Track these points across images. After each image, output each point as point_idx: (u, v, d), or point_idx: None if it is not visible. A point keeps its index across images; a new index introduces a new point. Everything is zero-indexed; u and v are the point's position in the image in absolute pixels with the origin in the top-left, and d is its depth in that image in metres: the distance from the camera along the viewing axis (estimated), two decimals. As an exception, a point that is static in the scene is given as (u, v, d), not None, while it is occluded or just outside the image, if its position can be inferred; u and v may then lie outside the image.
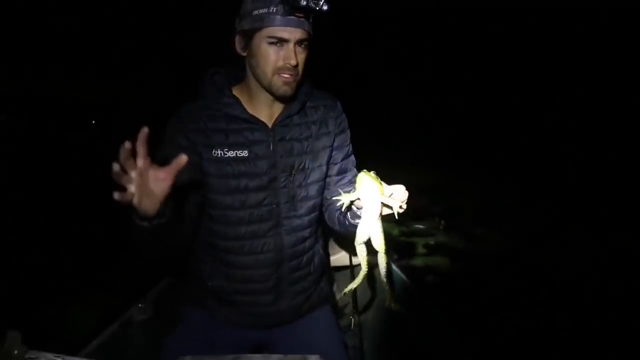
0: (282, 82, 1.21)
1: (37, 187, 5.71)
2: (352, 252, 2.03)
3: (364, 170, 1.03)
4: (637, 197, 5.44)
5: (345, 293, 1.14)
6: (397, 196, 1.04)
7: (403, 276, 1.85)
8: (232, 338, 1.37)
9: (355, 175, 1.45)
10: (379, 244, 1.05)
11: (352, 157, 1.47)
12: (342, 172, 1.44)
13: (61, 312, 2.76)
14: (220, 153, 1.25)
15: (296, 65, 1.20)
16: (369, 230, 1.04)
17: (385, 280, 1.10)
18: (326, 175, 1.41)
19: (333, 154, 1.41)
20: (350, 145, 1.46)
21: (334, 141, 1.40)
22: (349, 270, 2.03)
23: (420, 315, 1.70)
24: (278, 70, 1.20)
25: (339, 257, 2.01)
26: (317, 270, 1.46)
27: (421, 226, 4.88)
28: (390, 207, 1.01)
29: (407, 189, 1.06)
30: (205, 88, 1.30)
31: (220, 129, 1.26)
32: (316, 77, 1.41)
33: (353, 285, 1.13)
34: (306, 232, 1.38)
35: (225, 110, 1.27)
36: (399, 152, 8.95)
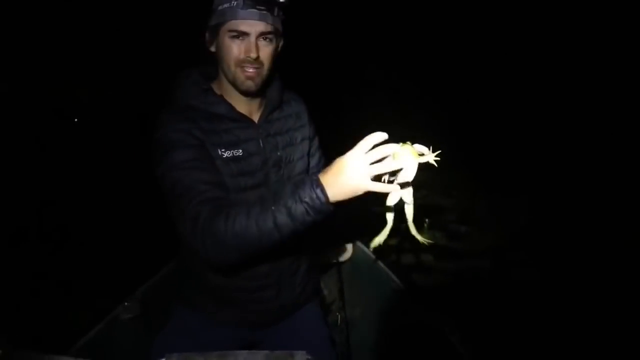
0: (245, 76, 1.21)
1: (19, 186, 5.61)
2: (337, 248, 2.05)
3: (401, 143, 1.05)
4: (622, 194, 5.57)
5: (372, 247, 1.15)
6: (426, 153, 1.07)
7: (390, 273, 1.88)
8: (220, 337, 1.38)
9: (322, 157, 1.49)
10: (410, 199, 1.11)
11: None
12: (319, 160, 1.49)
13: (47, 311, 2.72)
14: (219, 153, 1.24)
15: (257, 58, 1.19)
16: (405, 192, 1.09)
17: (412, 223, 1.16)
18: (308, 166, 1.44)
19: (311, 144, 1.46)
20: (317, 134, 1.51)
21: (309, 134, 1.45)
22: (334, 267, 2.05)
23: (407, 311, 1.73)
24: (240, 64, 1.20)
25: (324, 256, 2.03)
26: (308, 261, 1.49)
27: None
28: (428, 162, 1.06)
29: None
30: (186, 89, 1.28)
31: (214, 130, 1.25)
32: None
33: (380, 238, 1.15)
34: None
35: (212, 110, 1.26)
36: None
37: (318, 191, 0.98)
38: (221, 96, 1.28)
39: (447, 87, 11.52)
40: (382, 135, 0.96)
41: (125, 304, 1.67)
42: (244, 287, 1.35)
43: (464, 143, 9.38)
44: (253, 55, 1.18)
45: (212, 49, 1.25)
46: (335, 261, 2.02)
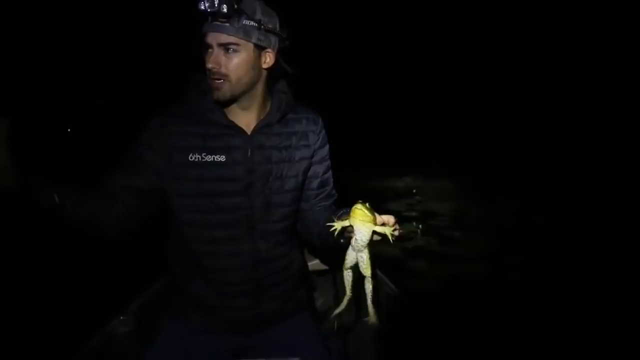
0: (213, 87, 1.26)
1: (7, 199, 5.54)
2: (333, 258, 2.06)
3: (360, 201, 1.07)
4: (612, 198, 5.63)
5: (333, 317, 1.21)
6: (390, 223, 1.10)
7: (384, 278, 1.88)
8: (212, 346, 1.38)
9: (333, 189, 1.50)
10: (366, 270, 1.10)
11: (331, 172, 1.50)
12: (322, 185, 1.47)
13: (40, 326, 2.70)
14: (198, 157, 1.28)
15: (213, 68, 1.23)
16: (358, 256, 1.10)
17: (371, 303, 1.15)
18: (302, 185, 1.43)
19: (313, 167, 1.44)
20: (329, 160, 1.49)
21: (313, 155, 1.43)
22: (330, 275, 2.06)
23: (403, 317, 1.73)
24: (209, 75, 1.25)
25: (319, 263, 2.03)
26: (296, 275, 1.48)
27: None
28: (384, 235, 1.08)
29: (393, 215, 1.12)
30: (191, 93, 1.33)
31: (200, 134, 1.29)
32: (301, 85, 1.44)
33: (338, 310, 1.19)
34: (281, 238, 1.40)
35: (206, 115, 1.30)
36: (373, 158, 9.05)
37: None
38: (216, 102, 1.30)
39: (441, 96, 11.63)
40: None
41: (121, 318, 1.66)
42: (219, 294, 1.36)
43: (456, 150, 9.45)
44: (208, 65, 1.23)
45: None
46: (328, 269, 2.03)
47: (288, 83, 1.42)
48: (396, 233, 1.10)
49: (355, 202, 1.08)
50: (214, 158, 1.28)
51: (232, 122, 1.31)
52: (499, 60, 11.32)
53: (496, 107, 10.84)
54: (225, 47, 1.23)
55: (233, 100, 1.29)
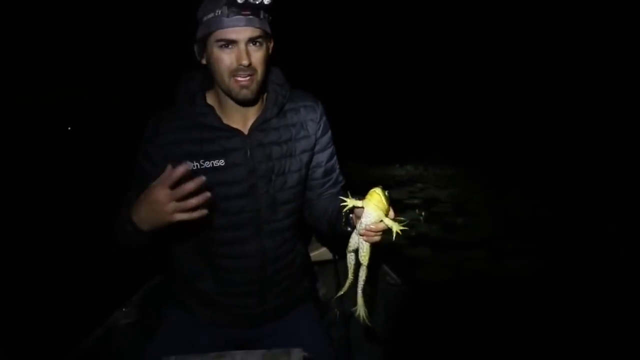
0: (239, 86, 1.19)
1: (15, 191, 5.58)
2: (335, 247, 2.05)
3: (380, 186, 1.05)
4: (610, 186, 5.60)
5: (335, 299, 1.18)
6: (399, 220, 1.07)
7: (386, 267, 1.88)
8: (215, 337, 1.38)
9: (340, 175, 1.46)
10: (364, 258, 1.08)
11: (336, 157, 1.45)
12: (327, 174, 1.43)
13: (43, 319, 2.72)
14: (196, 164, 1.23)
15: (249, 65, 1.17)
16: (359, 242, 1.08)
17: (361, 292, 1.12)
18: (305, 178, 1.39)
19: (316, 156, 1.39)
20: (333, 146, 1.44)
21: (315, 145, 1.38)
22: (332, 264, 2.05)
23: (405, 305, 1.73)
24: (233, 74, 1.18)
25: (321, 252, 2.02)
26: (300, 269, 1.47)
27: (401, 218, 4.93)
28: (389, 229, 1.05)
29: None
30: (180, 95, 1.28)
31: (194, 140, 1.24)
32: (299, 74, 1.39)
33: (341, 292, 1.17)
34: (287, 235, 1.38)
35: (198, 119, 1.25)
36: (376, 146, 9.02)
37: (130, 218, 1.11)
38: (208, 105, 1.26)
39: (443, 84, 11.56)
40: (185, 168, 1.03)
41: (123, 309, 1.66)
42: (225, 292, 1.35)
43: (459, 137, 9.42)
44: (245, 62, 1.16)
45: (203, 61, 1.24)
46: (331, 259, 2.02)
47: (283, 72, 1.35)
48: (400, 232, 1.07)
49: (376, 185, 1.05)
50: (212, 163, 1.24)
51: (226, 124, 1.26)
52: (504, 46, 11.23)
53: (498, 96, 10.77)
54: (253, 41, 1.17)
55: (257, 97, 1.25)
